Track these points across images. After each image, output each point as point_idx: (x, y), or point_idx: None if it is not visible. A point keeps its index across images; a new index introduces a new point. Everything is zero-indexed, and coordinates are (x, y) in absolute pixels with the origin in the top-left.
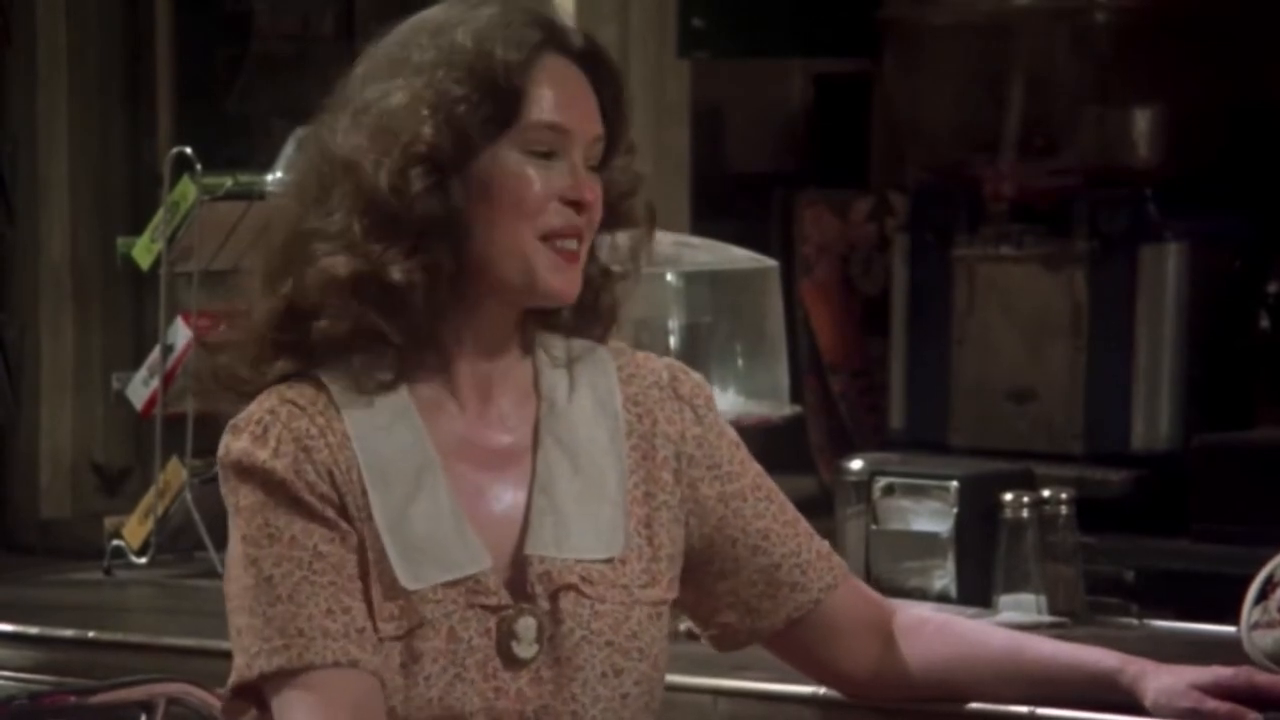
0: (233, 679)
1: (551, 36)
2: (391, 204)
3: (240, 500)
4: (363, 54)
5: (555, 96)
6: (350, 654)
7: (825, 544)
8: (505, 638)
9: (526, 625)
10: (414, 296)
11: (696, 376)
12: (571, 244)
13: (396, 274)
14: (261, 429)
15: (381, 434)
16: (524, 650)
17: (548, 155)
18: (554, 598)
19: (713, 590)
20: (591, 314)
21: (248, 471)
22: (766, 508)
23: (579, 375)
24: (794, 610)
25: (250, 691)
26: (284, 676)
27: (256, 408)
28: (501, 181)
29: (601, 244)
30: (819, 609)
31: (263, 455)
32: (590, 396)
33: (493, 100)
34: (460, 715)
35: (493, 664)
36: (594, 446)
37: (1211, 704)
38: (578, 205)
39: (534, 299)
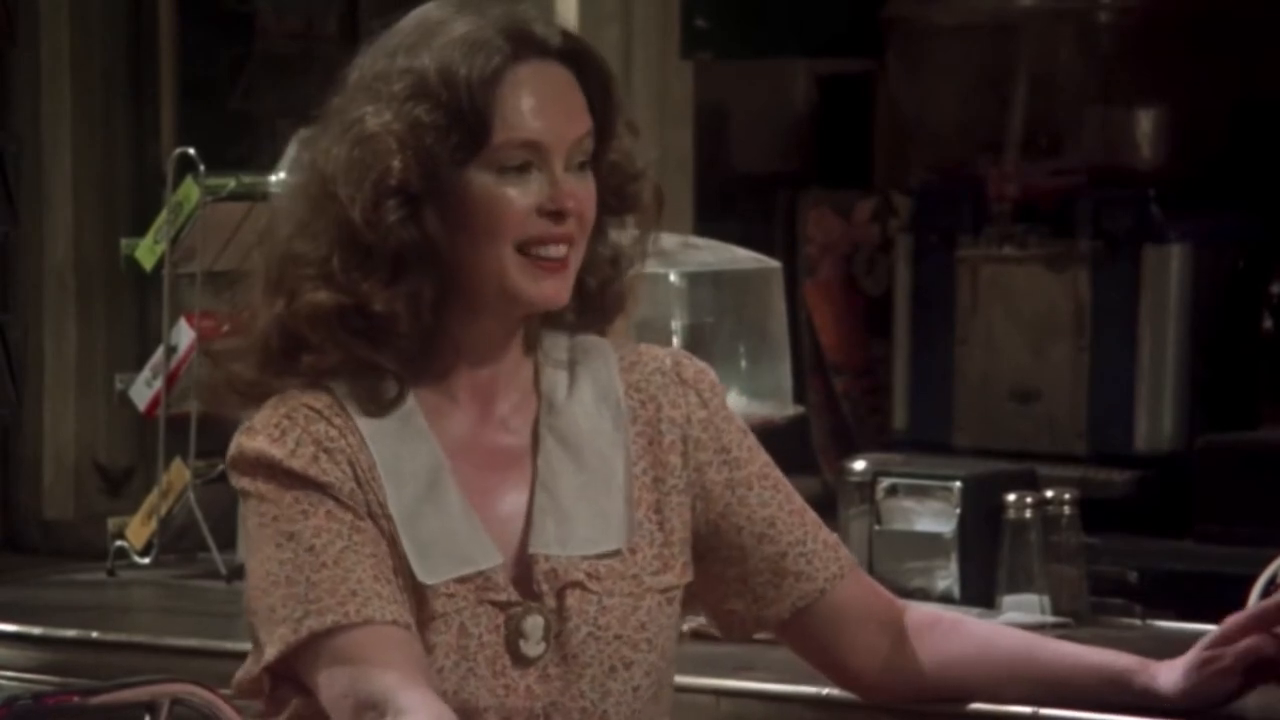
0: (270, 652)
1: (522, 44)
2: (367, 236)
3: (260, 488)
4: (362, 51)
5: (526, 110)
6: (404, 618)
7: (833, 535)
8: (513, 635)
9: (534, 624)
10: (399, 324)
11: (701, 363)
12: (556, 250)
13: (379, 305)
14: (279, 431)
15: (393, 437)
16: (531, 649)
17: (523, 168)
18: (560, 595)
19: (720, 576)
20: (597, 305)
21: (265, 466)
22: (773, 496)
23: (580, 371)
24: (799, 599)
25: (274, 671)
26: (338, 634)
27: (272, 411)
28: (476, 204)
29: (608, 231)
30: (825, 599)
31: (280, 453)
32: (591, 389)
33: (461, 126)
34: (474, 710)
35: (501, 661)
36: (598, 439)
37: (1231, 649)
38: (557, 215)
39: (520, 309)
